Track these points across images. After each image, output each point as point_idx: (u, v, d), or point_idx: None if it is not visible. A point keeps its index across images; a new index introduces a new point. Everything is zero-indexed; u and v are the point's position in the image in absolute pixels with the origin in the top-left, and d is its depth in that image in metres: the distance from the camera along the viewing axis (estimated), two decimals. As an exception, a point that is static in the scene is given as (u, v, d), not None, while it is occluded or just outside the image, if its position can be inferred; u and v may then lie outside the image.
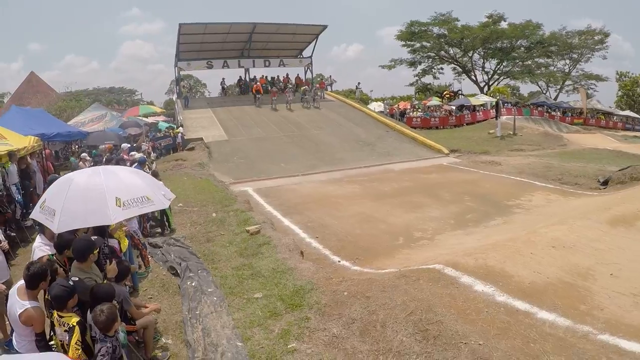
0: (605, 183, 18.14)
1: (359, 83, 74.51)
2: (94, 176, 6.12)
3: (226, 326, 6.99)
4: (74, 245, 5.98)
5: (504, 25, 69.11)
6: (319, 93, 38.92)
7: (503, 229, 12.48)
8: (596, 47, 70.72)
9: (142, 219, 11.68)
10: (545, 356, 5.65)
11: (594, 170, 20.31)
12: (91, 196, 5.79)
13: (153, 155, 22.44)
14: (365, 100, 60.30)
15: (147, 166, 14.38)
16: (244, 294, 8.08)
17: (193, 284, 8.58)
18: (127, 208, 5.80)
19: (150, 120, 39.48)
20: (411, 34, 69.94)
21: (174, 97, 47.24)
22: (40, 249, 6.64)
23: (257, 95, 36.94)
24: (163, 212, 12.15)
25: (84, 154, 18.97)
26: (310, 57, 44.18)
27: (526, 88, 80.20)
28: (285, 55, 43.90)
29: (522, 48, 70.71)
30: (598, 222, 11.47)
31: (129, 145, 20.38)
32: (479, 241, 10.89)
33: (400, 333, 6.30)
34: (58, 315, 4.92)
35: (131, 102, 70.82)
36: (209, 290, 8.30)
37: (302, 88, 38.63)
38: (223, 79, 44.91)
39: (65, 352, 4.70)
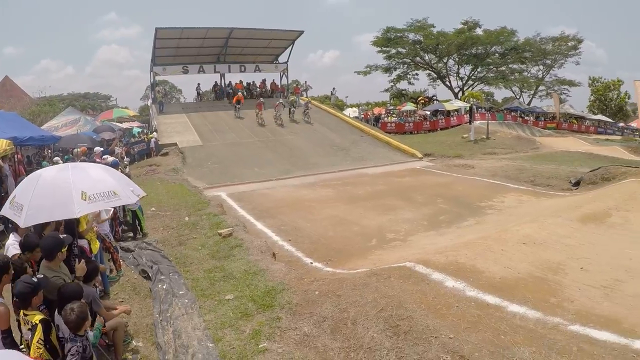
0: (577, 184, 18.47)
1: (333, 88, 74.71)
2: (62, 171, 6.18)
3: (197, 328, 6.98)
4: (42, 243, 5.96)
5: (479, 31, 70.17)
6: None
7: (475, 229, 12.61)
8: (569, 53, 72.22)
9: (115, 222, 11.62)
10: (516, 347, 5.75)
11: (566, 172, 20.69)
12: (58, 190, 5.83)
13: (126, 160, 22.25)
14: (340, 106, 60.68)
15: (119, 170, 14.28)
16: (216, 296, 8.07)
17: (164, 287, 8.55)
18: (92, 202, 5.83)
19: (124, 125, 39.22)
20: (387, 40, 70.51)
21: (149, 102, 46.96)
22: (14, 246, 6.62)
23: (237, 106, 35.59)
24: (135, 216, 12.11)
25: (56, 158, 18.78)
26: (286, 62, 44.22)
27: (500, 94, 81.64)
28: (261, 61, 43.89)
29: (497, 54, 71.78)
30: (569, 220, 11.72)
31: (102, 149, 20.19)
32: (452, 241, 11.00)
33: (371, 329, 6.35)
34: (23, 313, 4.89)
35: (106, 107, 70.07)
36: (181, 292, 8.27)
37: (290, 99, 37.69)
38: (198, 84, 44.83)
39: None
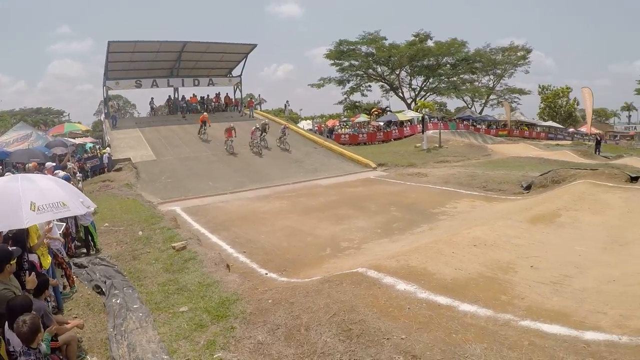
0: (528, 188, 19.14)
1: (287, 101, 75.21)
2: (10, 182, 6.22)
3: (152, 341, 6.98)
4: (-11, 255, 5.90)
5: (430, 43, 71.95)
6: (247, 112, 38.08)
7: (428, 234, 12.93)
8: (519, 62, 74.75)
9: (67, 239, 11.46)
10: (468, 345, 5.93)
11: (517, 177, 21.43)
12: (6, 200, 5.84)
13: (79, 175, 21.91)
14: (295, 119, 60.83)
15: (72, 184, 14.11)
16: (170, 309, 8.07)
17: (118, 301, 8.51)
18: (41, 212, 5.86)
19: (77, 140, 38.57)
20: (340, 52, 71.44)
21: (102, 117, 46.37)
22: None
23: (204, 127, 32.69)
24: (88, 232, 11.97)
25: (8, 174, 18.41)
26: (240, 76, 44.27)
27: (453, 103, 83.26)
28: (214, 75, 43.87)
29: (448, 65, 73.83)
30: (519, 221, 12.16)
31: (54, 164, 19.87)
32: (405, 247, 11.22)
33: (324, 334, 6.48)
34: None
35: (59, 122, 68.89)
36: (135, 306, 8.25)
37: (262, 123, 33.32)
38: (152, 98, 44.40)
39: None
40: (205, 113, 35.54)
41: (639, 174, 18.36)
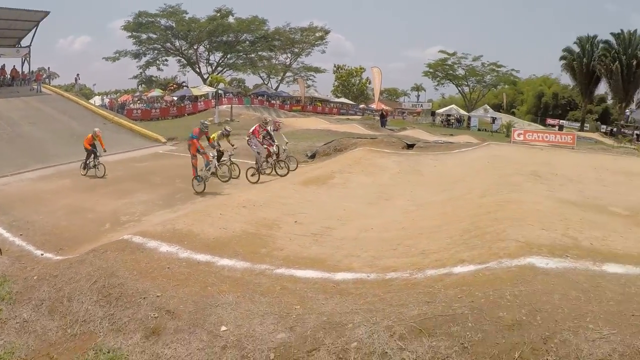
0: (312, 156, 20.55)
1: (78, 75, 70.46)
2: None
3: None
4: None
5: (231, 19, 71.82)
6: (34, 86, 35.09)
7: (209, 202, 13.38)
8: (317, 42, 77.77)
9: None
10: (221, 295, 6.43)
11: (303, 147, 22.72)
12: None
13: None
14: (88, 94, 57.66)
15: None
16: None
17: None
18: None
19: None
20: (138, 25, 68.79)
21: None
22: None
23: None
24: None
25: None
26: (29, 46, 40.24)
27: (252, 80, 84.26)
28: (1, 45, 39.65)
29: (247, 42, 74.45)
30: (292, 184, 13.07)
31: None
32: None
33: (85, 303, 6.62)
34: None
35: None
36: None
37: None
38: None
39: None
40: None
41: (415, 142, 20.46)
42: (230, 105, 41.12)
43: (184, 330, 5.90)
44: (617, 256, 6.47)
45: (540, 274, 5.78)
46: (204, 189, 14.89)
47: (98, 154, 18.59)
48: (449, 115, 62.62)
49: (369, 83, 76.01)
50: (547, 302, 5.09)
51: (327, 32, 77.99)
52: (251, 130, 18.13)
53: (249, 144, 17.78)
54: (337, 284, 6.59)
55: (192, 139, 15.43)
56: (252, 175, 16.21)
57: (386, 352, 4.84)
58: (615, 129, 64.60)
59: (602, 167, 16.45)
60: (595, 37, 67.19)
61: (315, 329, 5.43)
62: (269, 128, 18.25)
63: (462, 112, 64.92)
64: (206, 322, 5.98)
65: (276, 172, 17.07)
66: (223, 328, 5.80)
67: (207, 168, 15.10)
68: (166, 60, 74.58)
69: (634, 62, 61.70)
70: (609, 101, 72.54)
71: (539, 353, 4.43)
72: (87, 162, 18.58)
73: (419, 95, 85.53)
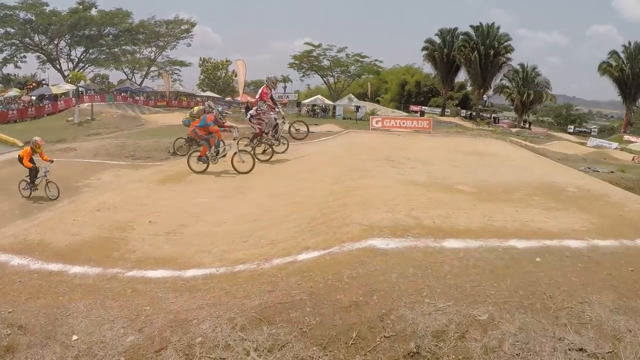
0: (175, 153, 20.26)
1: None
2: None
3: None
4: None
5: (94, 12, 68.94)
6: None
7: (67, 208, 12.86)
8: (182, 35, 76.55)
9: None
10: (73, 304, 6.22)
11: (165, 144, 22.57)
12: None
13: None
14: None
15: None
16: None
17: None
18: None
19: None
20: (-6, 18, 64.37)
21: None
22: None
23: None
24: None
25: None
26: None
27: (117, 76, 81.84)
28: None
29: (110, 36, 72.02)
30: (148, 183, 12.97)
31: None
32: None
33: None
34: None
35: None
36: None
37: None
38: None
39: None
40: None
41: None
42: (91, 104, 39.65)
43: (37, 345, 5.67)
44: (458, 232, 6.90)
45: (380, 255, 6.10)
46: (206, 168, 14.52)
47: (46, 168, 15.47)
48: (314, 105, 64.43)
49: (235, 76, 76.13)
50: (384, 282, 5.41)
51: (193, 25, 77.87)
52: (258, 95, 16.02)
53: (255, 114, 15.84)
54: (187, 281, 6.62)
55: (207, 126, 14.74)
56: (264, 151, 15.44)
57: (229, 344, 4.99)
58: (474, 113, 69.73)
59: (455, 149, 17.60)
60: (455, 29, 72.56)
61: (162, 329, 5.47)
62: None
63: (328, 101, 67.08)
64: (58, 333, 5.80)
65: (272, 149, 15.57)
66: (74, 337, 5.67)
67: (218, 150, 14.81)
68: (24, 57, 70.74)
69: (492, 52, 67.51)
70: (468, 88, 78.11)
71: (375, 330, 4.70)
72: (34, 181, 15.39)
73: (285, 87, 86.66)
